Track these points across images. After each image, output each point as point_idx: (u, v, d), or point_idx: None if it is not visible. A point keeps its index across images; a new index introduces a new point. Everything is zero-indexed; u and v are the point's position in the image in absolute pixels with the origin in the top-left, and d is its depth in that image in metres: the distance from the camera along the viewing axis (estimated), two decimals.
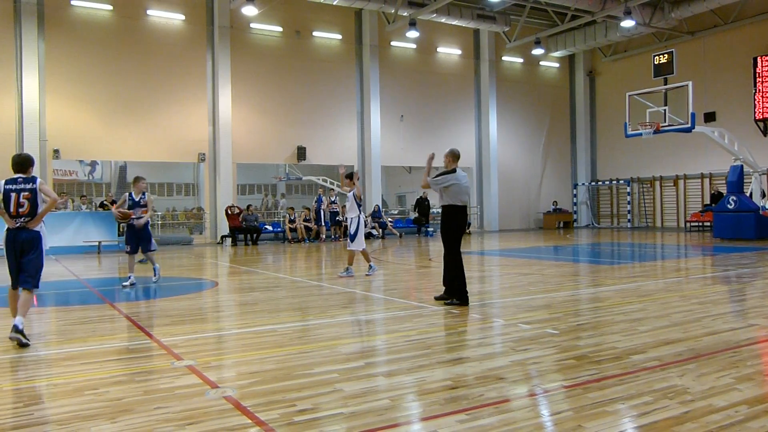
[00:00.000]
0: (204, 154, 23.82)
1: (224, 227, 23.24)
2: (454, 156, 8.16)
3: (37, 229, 6.28)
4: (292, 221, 23.52)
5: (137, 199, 10.81)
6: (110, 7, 22.33)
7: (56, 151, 21.34)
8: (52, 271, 13.66)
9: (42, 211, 6.26)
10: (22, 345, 5.87)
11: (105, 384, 4.59)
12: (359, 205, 11.48)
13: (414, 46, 28.25)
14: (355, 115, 26.89)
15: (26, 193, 6.22)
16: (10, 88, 20.72)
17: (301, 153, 25.32)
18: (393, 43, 27.75)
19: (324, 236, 23.40)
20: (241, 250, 20.01)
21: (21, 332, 5.89)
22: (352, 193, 11.47)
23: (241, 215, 22.59)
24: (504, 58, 30.93)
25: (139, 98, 22.64)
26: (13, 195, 6.22)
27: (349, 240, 11.62)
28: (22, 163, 6.37)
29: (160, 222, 25.04)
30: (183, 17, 23.47)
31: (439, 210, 8.38)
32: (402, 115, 27.86)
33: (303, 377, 4.69)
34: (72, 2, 21.78)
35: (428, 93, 28.72)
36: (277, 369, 4.97)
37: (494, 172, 30.02)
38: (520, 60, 31.59)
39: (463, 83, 29.91)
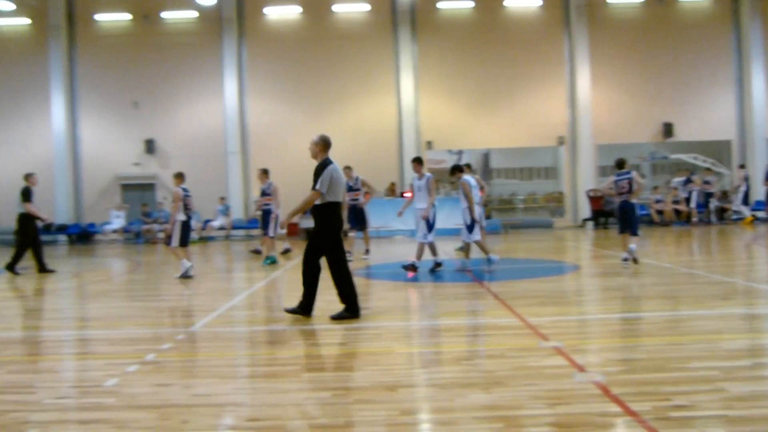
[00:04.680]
0: (563, 136, 23.78)
1: (586, 210, 22.91)
2: (326, 143, 6.79)
3: (633, 201, 10.46)
4: (658, 202, 21.97)
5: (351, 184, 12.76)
6: (472, 4, 23.75)
7: (429, 143, 23.67)
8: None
9: (637, 189, 10.44)
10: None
11: (479, 356, 4.94)
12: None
13: None
14: (731, 83, 23.74)
15: (627, 180, 10.31)
16: (390, 89, 23.65)
17: (668, 130, 23.42)
18: None
19: (696, 219, 21.29)
20: (604, 234, 19.47)
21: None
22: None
23: (604, 198, 21.94)
24: None
25: (500, 87, 23.65)
26: (620, 182, 10.38)
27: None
28: (620, 162, 10.60)
29: (522, 206, 25.89)
30: (541, 1, 23.70)
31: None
32: None
33: (678, 371, 4.36)
34: (438, 5, 23.78)
35: None
36: (648, 359, 4.71)
37: None
38: None
39: None
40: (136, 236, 22.53)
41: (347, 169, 12.98)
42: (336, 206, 6.62)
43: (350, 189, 12.81)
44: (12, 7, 22.48)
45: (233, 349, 5.70)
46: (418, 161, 10.68)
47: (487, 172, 31.86)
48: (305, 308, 6.57)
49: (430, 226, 10.29)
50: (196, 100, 23.94)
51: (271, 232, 12.72)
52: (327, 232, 6.57)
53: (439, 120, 23.65)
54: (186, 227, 10.66)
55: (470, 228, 10.52)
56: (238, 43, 23.77)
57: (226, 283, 11.05)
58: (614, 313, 6.87)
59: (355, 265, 12.20)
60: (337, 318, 6.44)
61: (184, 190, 10.71)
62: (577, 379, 4.22)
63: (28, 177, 12.63)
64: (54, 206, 23.40)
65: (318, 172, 6.53)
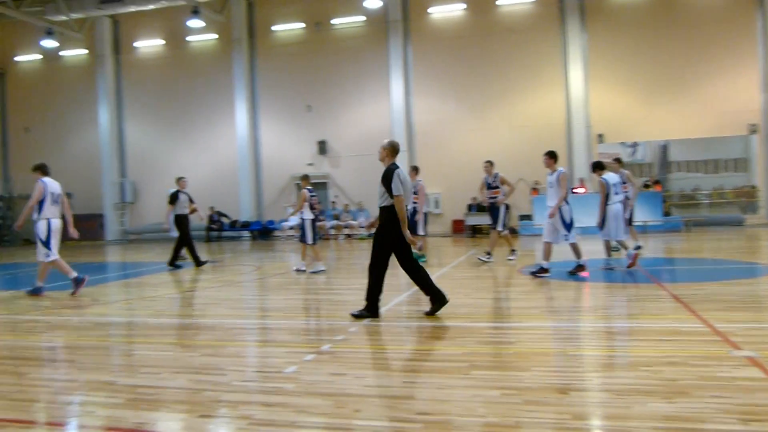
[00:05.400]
0: (755, 124, 21.53)
1: None
2: (394, 149, 7.09)
3: None
4: None
5: (490, 181, 12.28)
6: None
7: (600, 136, 22.54)
8: (593, 249, 14.45)
9: None
10: None
11: (659, 363, 4.60)
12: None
13: None
14: None
15: None
16: (558, 81, 22.84)
17: None
18: None
19: None
20: None
21: None
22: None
23: None
24: None
25: (679, 73, 21.95)
26: None
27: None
28: None
29: (707, 202, 23.85)
30: None
31: None
32: None
33: None
34: None
35: None
36: None
37: None
38: None
39: None
40: None
41: (488, 164, 12.51)
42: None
43: (489, 186, 12.37)
44: (202, 24, 24.76)
45: (402, 343, 5.83)
46: (549, 155, 10.26)
47: (665, 164, 29.75)
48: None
49: (568, 225, 9.73)
50: (365, 102, 24.80)
51: (420, 230, 12.26)
52: (390, 231, 6.79)
53: (611, 111, 22.44)
54: (314, 225, 11.64)
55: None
56: (403, 44, 24.25)
57: (394, 279, 11.30)
58: None
59: (500, 264, 11.97)
60: (359, 316, 6.71)
61: (310, 190, 11.49)
62: None
63: (178, 180, 13.70)
64: (238, 205, 25.49)
65: (387, 178, 6.85)
